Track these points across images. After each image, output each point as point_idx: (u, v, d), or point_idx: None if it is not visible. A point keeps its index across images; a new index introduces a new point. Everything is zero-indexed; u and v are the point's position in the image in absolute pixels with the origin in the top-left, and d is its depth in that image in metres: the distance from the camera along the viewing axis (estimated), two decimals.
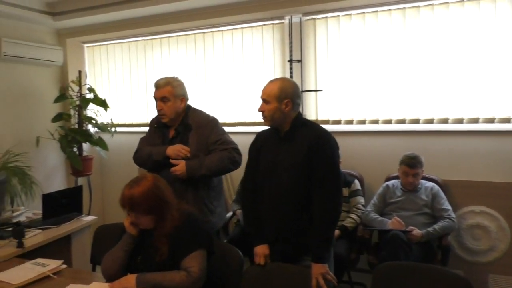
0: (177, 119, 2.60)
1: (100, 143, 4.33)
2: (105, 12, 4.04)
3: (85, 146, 4.44)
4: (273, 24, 3.89)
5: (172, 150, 2.51)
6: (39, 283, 1.99)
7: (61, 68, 4.66)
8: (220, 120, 3.99)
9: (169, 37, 4.39)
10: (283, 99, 2.02)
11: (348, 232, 3.13)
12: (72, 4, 4.14)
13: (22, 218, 3.00)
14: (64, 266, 2.16)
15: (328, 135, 2.06)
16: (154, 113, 2.71)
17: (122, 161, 4.55)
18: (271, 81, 2.12)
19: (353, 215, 3.18)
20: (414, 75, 3.35)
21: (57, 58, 4.51)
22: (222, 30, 4.13)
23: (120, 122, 4.64)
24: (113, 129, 4.44)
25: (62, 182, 4.66)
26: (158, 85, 2.58)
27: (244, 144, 3.47)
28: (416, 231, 2.83)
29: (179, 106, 2.58)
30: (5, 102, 4.10)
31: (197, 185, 2.51)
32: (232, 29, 4.07)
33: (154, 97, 2.60)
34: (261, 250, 2.07)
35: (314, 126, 2.11)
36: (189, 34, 4.28)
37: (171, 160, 2.49)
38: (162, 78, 2.62)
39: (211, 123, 2.64)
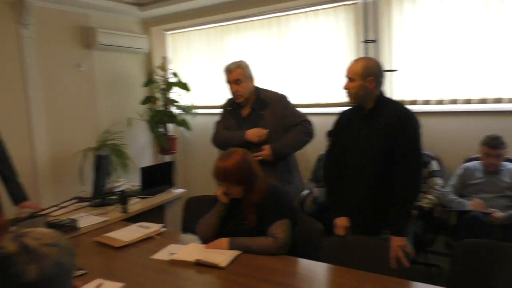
0: (250, 98, 2.80)
1: (184, 123, 4.67)
2: (185, 1, 4.30)
3: (170, 126, 4.81)
4: (346, 5, 3.91)
5: (252, 134, 2.70)
6: (145, 242, 2.30)
7: (147, 55, 5.05)
8: (295, 102, 4.15)
9: (245, 21, 4.57)
10: (367, 76, 2.11)
11: (424, 213, 3.14)
12: None
13: (122, 189, 3.39)
14: (164, 229, 2.46)
15: (412, 113, 2.12)
16: (230, 95, 2.91)
17: (202, 141, 4.87)
18: (356, 60, 2.21)
19: (430, 196, 3.17)
20: (495, 52, 3.21)
21: (143, 46, 4.89)
22: (295, 13, 4.22)
23: (200, 104, 4.94)
24: (194, 110, 4.77)
25: (150, 159, 5.10)
26: (230, 69, 2.79)
27: (319, 124, 3.59)
28: (498, 213, 2.78)
29: (251, 86, 2.80)
30: (102, 87, 4.57)
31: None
32: (305, 11, 4.15)
33: (227, 81, 2.81)
34: (341, 222, 2.20)
35: (397, 105, 2.18)
36: (264, 19, 4.43)
37: (261, 152, 2.65)
38: (232, 63, 2.83)
39: (283, 98, 2.85)
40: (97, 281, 1.75)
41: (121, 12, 4.62)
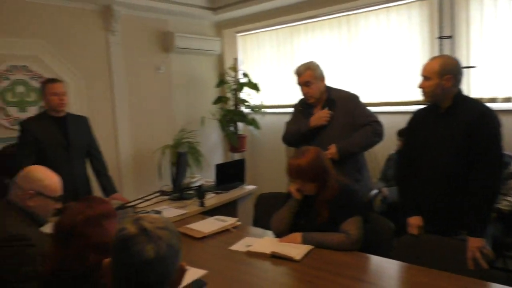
0: (322, 98, 2.84)
1: (253, 122, 4.83)
2: (255, 4, 4.44)
3: (240, 125, 5.00)
4: (420, 0, 3.82)
5: (314, 119, 2.76)
6: (222, 234, 2.45)
7: (219, 56, 5.28)
8: (366, 100, 4.12)
9: (314, 21, 4.61)
10: (444, 75, 2.08)
11: (504, 216, 3.00)
12: None
13: (199, 184, 3.60)
14: (239, 223, 2.60)
15: (491, 112, 2.05)
16: (299, 94, 2.99)
17: (271, 139, 5.00)
18: (432, 58, 2.18)
19: (510, 198, 3.04)
20: None
21: (216, 48, 5.12)
22: (366, 12, 4.20)
23: (269, 104, 5.08)
24: (263, 110, 4.91)
25: (220, 157, 5.33)
26: (299, 72, 2.84)
27: (390, 123, 3.55)
28: None
29: (321, 86, 2.83)
30: (178, 88, 4.87)
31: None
32: (377, 9, 4.11)
33: (298, 83, 2.86)
34: (414, 221, 2.19)
35: (476, 103, 2.12)
36: (333, 18, 4.45)
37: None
38: (301, 65, 2.86)
39: (354, 97, 2.85)
40: None
41: (196, 17, 4.88)
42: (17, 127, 3.55)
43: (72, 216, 1.44)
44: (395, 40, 4.00)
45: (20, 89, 3.63)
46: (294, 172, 2.19)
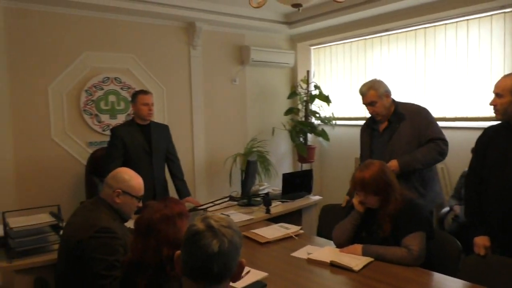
0: (389, 113, 2.82)
1: (323, 134, 4.90)
2: (330, 18, 4.51)
3: (310, 136, 5.08)
4: (504, 13, 3.65)
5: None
6: (284, 240, 2.56)
7: (292, 69, 5.43)
8: (440, 115, 4.01)
9: (389, 34, 4.59)
10: None
11: None
12: (304, 13, 4.78)
13: (266, 192, 3.75)
14: (302, 231, 2.69)
15: None
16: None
17: (340, 151, 5.02)
18: (506, 76, 2.13)
19: None
20: None
21: (289, 61, 5.27)
22: (445, 24, 4.09)
23: (340, 116, 5.11)
24: (333, 122, 4.96)
25: (289, 166, 5.45)
26: (363, 93, 2.85)
27: (465, 139, 3.43)
28: None
29: (387, 102, 2.80)
30: (252, 99, 5.09)
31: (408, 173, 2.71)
32: (456, 21, 3.99)
33: (363, 103, 2.87)
34: (481, 241, 2.13)
35: None
36: (409, 31, 4.39)
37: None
38: (364, 85, 2.87)
39: (424, 111, 2.80)
40: (246, 268, 2.06)
41: (272, 31, 5.08)
42: (107, 132, 4.00)
43: (151, 213, 1.66)
44: (474, 53, 3.86)
45: (112, 98, 4.06)
46: (358, 185, 2.24)
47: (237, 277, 1.16)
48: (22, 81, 3.60)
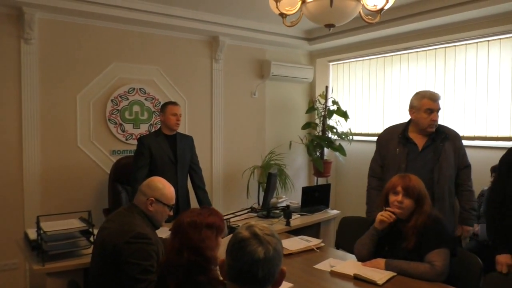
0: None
1: (340, 149, 4.95)
2: (350, 36, 4.57)
3: (326, 151, 5.14)
4: None
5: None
6: (306, 253, 2.61)
7: (310, 84, 5.51)
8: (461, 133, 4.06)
9: (409, 53, 4.65)
10: None
11: None
12: (324, 30, 4.83)
13: (285, 204, 3.80)
14: (323, 244, 2.74)
15: None
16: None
17: (356, 167, 5.05)
18: None
19: None
20: None
21: (308, 76, 5.36)
22: (465, 44, 4.15)
23: (357, 132, 5.16)
24: (350, 137, 5.02)
25: (305, 180, 5.50)
26: (437, 98, 2.81)
27: (483, 158, 3.46)
28: None
29: None
30: (270, 113, 5.18)
31: None
32: (477, 42, 4.05)
33: (432, 108, 2.76)
34: (504, 259, 2.16)
35: None
36: (429, 50, 4.45)
37: None
38: (434, 92, 2.85)
39: (459, 136, 2.89)
40: None
41: (292, 46, 5.18)
42: (130, 141, 4.11)
43: (184, 216, 1.73)
44: (494, 73, 3.91)
45: (136, 108, 4.18)
46: (402, 184, 2.27)
47: (278, 283, 1.22)
48: (52, 89, 3.73)
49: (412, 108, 2.86)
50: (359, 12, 2.16)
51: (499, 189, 2.31)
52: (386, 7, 2.10)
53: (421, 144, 2.82)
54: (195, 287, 1.63)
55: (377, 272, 2.15)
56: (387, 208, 2.31)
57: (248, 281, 1.17)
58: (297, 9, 2.13)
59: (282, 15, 2.19)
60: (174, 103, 3.37)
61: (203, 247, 1.65)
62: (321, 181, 5.11)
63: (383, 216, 2.30)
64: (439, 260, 2.10)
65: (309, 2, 2.09)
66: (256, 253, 1.15)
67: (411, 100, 2.89)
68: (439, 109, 2.80)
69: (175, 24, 4.06)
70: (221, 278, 1.37)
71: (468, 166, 2.83)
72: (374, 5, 2.09)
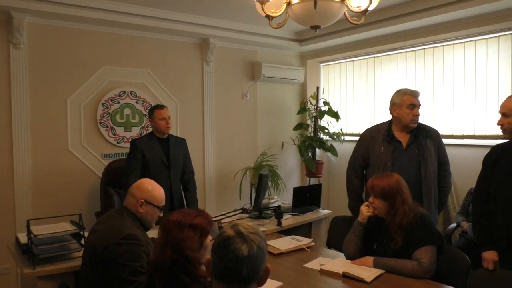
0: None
1: (331, 149, 4.98)
2: (340, 36, 4.61)
3: (318, 151, 5.17)
4: None
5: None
6: (296, 252, 2.63)
7: (301, 85, 5.54)
8: (446, 132, 4.11)
9: (398, 53, 4.70)
10: None
11: None
12: (315, 31, 4.89)
13: (277, 205, 3.82)
14: (313, 243, 2.77)
15: None
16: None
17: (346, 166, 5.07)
18: (510, 96, 2.24)
19: None
20: None
21: (299, 77, 5.39)
22: (453, 44, 4.20)
23: (348, 132, 5.20)
24: (342, 137, 5.05)
25: (297, 181, 5.53)
26: (418, 94, 2.88)
27: (471, 156, 3.50)
28: None
29: None
30: (262, 114, 5.21)
31: None
32: (464, 42, 4.10)
33: (411, 104, 2.81)
34: (489, 256, 2.20)
35: None
36: (417, 50, 4.50)
37: None
38: (414, 90, 2.92)
39: (439, 133, 2.95)
40: None
41: (283, 48, 5.21)
42: (122, 144, 4.11)
43: (171, 215, 1.75)
44: (481, 72, 3.96)
45: (127, 111, 4.19)
46: (370, 185, 2.33)
47: (263, 281, 1.24)
48: (42, 94, 3.73)
49: (393, 106, 2.90)
50: (344, 14, 2.19)
51: (483, 187, 2.35)
52: (370, 9, 2.13)
53: (405, 141, 2.86)
54: (179, 285, 1.64)
55: (366, 270, 2.18)
56: (365, 203, 2.41)
57: (233, 279, 1.19)
58: (282, 11, 2.16)
59: (268, 17, 2.21)
60: (161, 107, 3.34)
61: (184, 246, 1.65)
62: (313, 181, 5.13)
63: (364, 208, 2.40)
64: (426, 258, 2.13)
65: (294, 4, 2.11)
66: (240, 251, 1.17)
67: (392, 98, 2.94)
68: (420, 105, 2.86)
69: (165, 27, 4.07)
70: (208, 279, 1.39)
71: (447, 162, 2.91)
72: (358, 7, 2.11)
